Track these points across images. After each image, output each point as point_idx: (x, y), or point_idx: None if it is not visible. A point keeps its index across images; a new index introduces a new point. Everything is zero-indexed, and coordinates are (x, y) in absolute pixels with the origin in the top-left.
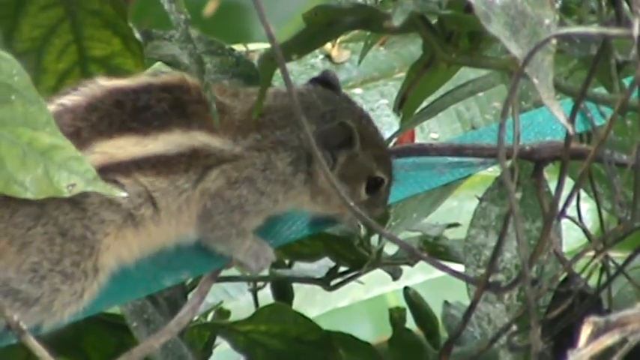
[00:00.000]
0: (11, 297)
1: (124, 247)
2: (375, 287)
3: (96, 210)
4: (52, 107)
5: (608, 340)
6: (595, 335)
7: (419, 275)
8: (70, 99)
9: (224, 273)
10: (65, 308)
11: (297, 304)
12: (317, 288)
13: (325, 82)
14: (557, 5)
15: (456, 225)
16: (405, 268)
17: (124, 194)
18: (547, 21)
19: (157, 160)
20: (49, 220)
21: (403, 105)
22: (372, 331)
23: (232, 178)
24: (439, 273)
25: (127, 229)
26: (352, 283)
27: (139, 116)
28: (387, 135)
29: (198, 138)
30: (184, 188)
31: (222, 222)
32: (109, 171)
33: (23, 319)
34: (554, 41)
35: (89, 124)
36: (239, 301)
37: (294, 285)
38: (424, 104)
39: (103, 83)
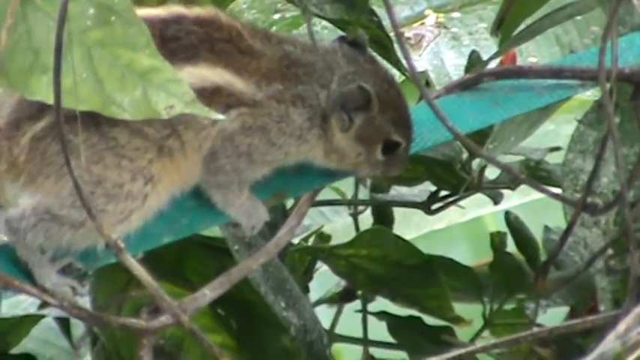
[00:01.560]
0: (56, 223)
1: (166, 176)
2: (473, 210)
3: (127, 139)
4: None
5: None
6: None
7: (516, 198)
8: None
9: (322, 196)
10: (114, 228)
11: (394, 227)
12: (414, 210)
13: (353, 43)
14: None
15: (557, 149)
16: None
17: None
18: None
19: None
20: (79, 154)
21: (501, 27)
22: (470, 254)
23: (247, 124)
24: (536, 196)
25: (163, 158)
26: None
27: (165, 46)
28: (485, 57)
29: (224, 76)
30: (204, 124)
31: (228, 166)
32: None
33: (75, 241)
34: None
35: None
36: (336, 224)
37: None
38: (522, 27)
39: None
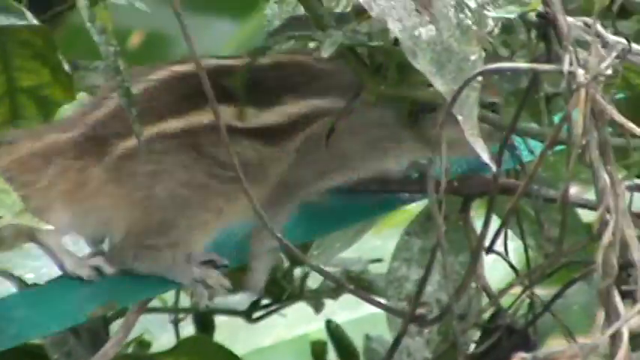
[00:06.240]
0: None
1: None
2: (300, 325)
3: None
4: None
5: None
6: None
7: (342, 314)
8: None
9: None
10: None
11: (220, 342)
12: (240, 325)
13: None
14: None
15: (378, 260)
16: (329, 307)
17: (50, 227)
18: (473, 57)
19: None
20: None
21: None
22: None
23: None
24: (362, 312)
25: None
26: (276, 320)
27: None
28: None
29: None
30: None
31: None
32: None
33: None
34: (479, 77)
35: None
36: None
37: (218, 321)
38: None
39: None
